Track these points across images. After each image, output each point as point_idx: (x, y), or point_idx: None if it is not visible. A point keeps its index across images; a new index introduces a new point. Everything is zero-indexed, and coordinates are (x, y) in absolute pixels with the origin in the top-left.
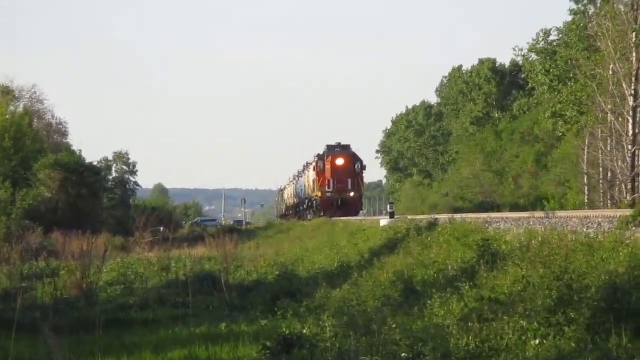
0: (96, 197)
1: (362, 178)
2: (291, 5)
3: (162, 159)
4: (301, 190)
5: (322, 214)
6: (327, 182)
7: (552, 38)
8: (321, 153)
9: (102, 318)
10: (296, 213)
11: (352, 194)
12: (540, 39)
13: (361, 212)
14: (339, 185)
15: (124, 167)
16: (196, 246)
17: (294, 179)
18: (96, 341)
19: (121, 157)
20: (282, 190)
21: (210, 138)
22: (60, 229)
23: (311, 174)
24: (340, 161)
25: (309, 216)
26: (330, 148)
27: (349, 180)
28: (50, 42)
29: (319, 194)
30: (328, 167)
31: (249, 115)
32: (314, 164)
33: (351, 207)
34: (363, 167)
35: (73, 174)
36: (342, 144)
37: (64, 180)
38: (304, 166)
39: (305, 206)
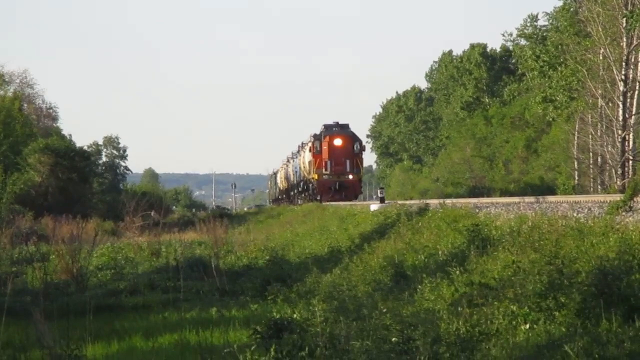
0: (86, 182)
1: (361, 160)
2: None
3: (152, 144)
4: (296, 172)
5: (318, 198)
6: (324, 164)
7: (540, 23)
8: (318, 133)
9: (92, 303)
10: (290, 197)
11: (350, 176)
12: (528, 24)
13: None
14: (336, 167)
15: (114, 152)
16: (186, 231)
17: (288, 161)
18: (86, 326)
19: (111, 142)
20: (274, 174)
21: (200, 122)
22: (50, 214)
23: (307, 155)
24: (338, 141)
25: (299, 201)
26: (327, 127)
27: (348, 162)
28: (42, 28)
29: (316, 177)
30: (325, 147)
31: (239, 100)
32: (309, 144)
33: (350, 191)
34: (362, 148)
35: (63, 159)
36: (340, 123)
37: (54, 165)
38: (299, 147)
39: (300, 189)
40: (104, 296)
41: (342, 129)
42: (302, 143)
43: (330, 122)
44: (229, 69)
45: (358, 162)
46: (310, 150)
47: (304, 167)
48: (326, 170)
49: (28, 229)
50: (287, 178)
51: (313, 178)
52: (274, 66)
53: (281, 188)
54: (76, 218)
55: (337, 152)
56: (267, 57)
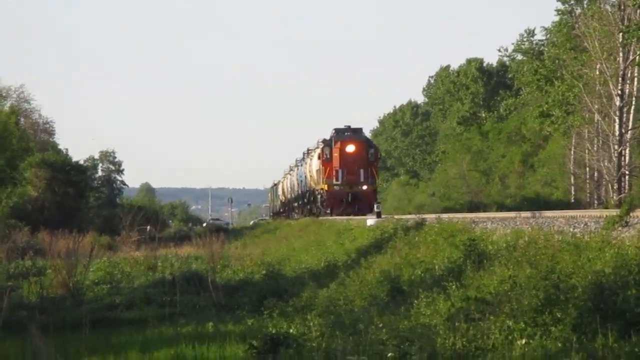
0: (82, 196)
1: (376, 168)
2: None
3: (149, 158)
4: (301, 182)
5: (328, 211)
6: (335, 173)
7: (537, 37)
8: (327, 138)
9: (89, 317)
10: (293, 210)
11: (365, 187)
12: (524, 39)
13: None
14: (349, 176)
15: (110, 166)
16: (183, 245)
17: (291, 170)
18: (82, 340)
19: (107, 156)
20: (275, 185)
21: (197, 137)
22: (46, 228)
23: (314, 163)
24: (350, 148)
25: (294, 215)
26: (338, 132)
27: (361, 171)
28: (37, 42)
29: (325, 187)
30: (336, 154)
31: (235, 115)
32: (318, 150)
33: (364, 203)
34: (378, 155)
35: (59, 173)
36: (352, 127)
37: (51, 179)
38: (305, 154)
39: (305, 201)
40: (100, 310)
41: (355, 134)
42: (308, 150)
43: (341, 126)
44: (225, 84)
45: (373, 170)
46: (319, 158)
47: (311, 176)
48: (337, 180)
49: (24, 243)
50: (290, 189)
51: (322, 189)
52: (269, 83)
53: (283, 200)
54: (72, 232)
55: (349, 160)
56: (261, 74)
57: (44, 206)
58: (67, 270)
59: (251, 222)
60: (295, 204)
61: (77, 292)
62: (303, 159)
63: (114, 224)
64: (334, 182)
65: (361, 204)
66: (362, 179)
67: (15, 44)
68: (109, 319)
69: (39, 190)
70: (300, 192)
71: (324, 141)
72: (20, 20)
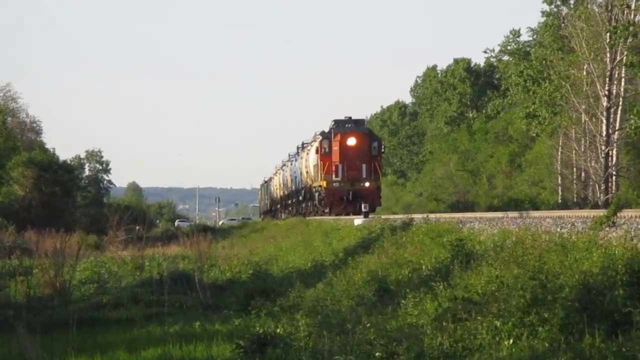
0: (69, 195)
1: (380, 163)
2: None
3: (136, 158)
4: (295, 178)
5: (326, 210)
6: (334, 168)
7: (524, 38)
8: (326, 130)
9: (76, 317)
10: (286, 207)
11: (367, 183)
12: (510, 40)
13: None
14: (350, 172)
15: (97, 166)
16: (170, 245)
17: (284, 166)
18: (69, 340)
19: (94, 156)
20: (267, 182)
21: (184, 136)
22: (33, 227)
23: (311, 158)
24: (352, 140)
25: (282, 215)
26: (338, 123)
27: (364, 166)
28: (24, 42)
29: (324, 184)
30: (336, 148)
31: (222, 115)
32: (316, 144)
33: (366, 201)
34: (381, 149)
35: (46, 172)
36: (353, 118)
37: (37, 178)
38: (299, 148)
39: (299, 198)
40: (88, 310)
41: (356, 126)
42: (303, 143)
43: (341, 116)
44: (211, 83)
45: (376, 165)
46: (316, 152)
47: (307, 172)
48: (337, 176)
49: (11, 242)
50: (283, 185)
51: (320, 186)
52: (257, 82)
53: (275, 197)
54: (59, 232)
55: (350, 154)
56: (248, 74)
57: (31, 205)
58: (54, 269)
59: (220, 222)
60: (289, 202)
61: (64, 291)
62: (297, 153)
63: (101, 224)
64: (334, 178)
65: (363, 202)
66: (364, 175)
67: (1, 42)
68: (96, 319)
69: (26, 189)
70: (294, 189)
71: (322, 133)
72: (6, 18)
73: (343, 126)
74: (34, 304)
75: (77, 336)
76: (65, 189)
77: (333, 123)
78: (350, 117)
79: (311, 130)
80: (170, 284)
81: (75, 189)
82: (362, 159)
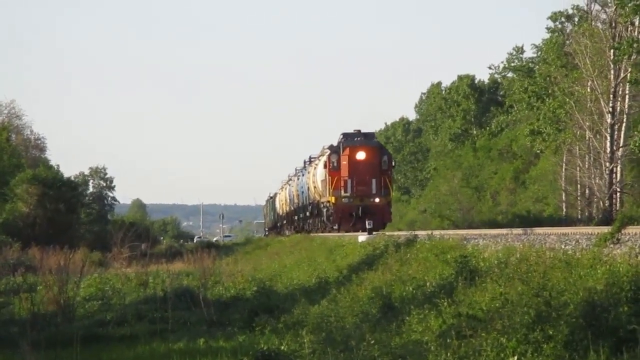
0: (74, 212)
1: (390, 178)
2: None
3: (140, 175)
4: (302, 193)
5: (335, 227)
6: (343, 184)
7: (527, 55)
8: (335, 144)
9: (80, 333)
10: (292, 224)
11: (377, 199)
12: (514, 57)
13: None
14: (359, 187)
15: (102, 182)
16: (174, 262)
17: (290, 180)
18: (73, 357)
19: (98, 172)
20: (272, 198)
21: (189, 153)
22: (37, 244)
23: (319, 172)
24: (361, 155)
25: (286, 232)
26: (347, 137)
27: (374, 181)
28: (28, 59)
29: (332, 200)
30: (345, 162)
31: (226, 131)
32: (324, 158)
33: (376, 218)
34: (392, 163)
35: (51, 189)
36: (363, 131)
37: (42, 195)
38: (306, 162)
39: (306, 214)
40: (92, 327)
41: (366, 139)
42: (311, 157)
43: (350, 130)
44: (214, 99)
45: (387, 180)
46: (325, 166)
47: (315, 187)
48: (346, 191)
49: (15, 259)
50: (289, 200)
51: (328, 201)
52: (261, 100)
53: (281, 213)
54: (63, 248)
55: (360, 169)
56: (253, 91)
57: (35, 222)
58: (58, 286)
59: (195, 239)
60: (295, 218)
61: (68, 308)
62: (304, 167)
63: (105, 240)
64: (342, 193)
65: (373, 219)
66: (374, 190)
67: (6, 58)
68: (100, 335)
69: (30, 206)
70: (301, 204)
71: (331, 147)
72: (10, 36)
73: (352, 140)
74: (38, 320)
75: (81, 353)
76: (69, 205)
77: (342, 137)
78: (359, 131)
79: (314, 148)
80: (174, 301)
81: (80, 206)
82: (372, 174)
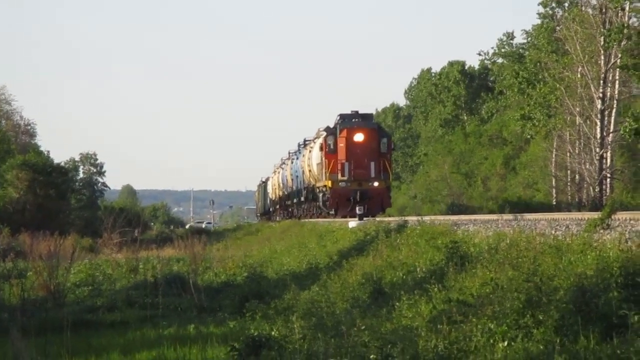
0: (64, 198)
1: (389, 161)
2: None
3: (130, 160)
4: (296, 177)
5: (332, 212)
6: (340, 167)
7: (518, 40)
8: (331, 126)
9: (70, 319)
10: (286, 208)
11: (376, 183)
12: (504, 43)
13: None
14: (357, 170)
15: (92, 168)
16: (164, 247)
17: (283, 164)
18: (64, 342)
19: (88, 158)
20: (264, 182)
21: (179, 138)
22: (27, 230)
23: (315, 155)
24: (359, 136)
25: (277, 217)
26: (345, 118)
27: (372, 164)
28: (19, 44)
29: (329, 184)
30: (342, 145)
31: (216, 117)
32: (320, 140)
33: (375, 202)
34: (391, 146)
35: (41, 175)
36: (361, 112)
37: (32, 181)
38: (300, 145)
39: (301, 199)
40: (82, 312)
41: (364, 120)
42: (305, 140)
43: (347, 111)
44: (204, 84)
45: (386, 164)
46: (320, 149)
47: (310, 170)
48: (343, 175)
49: (5, 245)
50: (283, 185)
51: (325, 186)
52: (252, 83)
53: (273, 198)
54: (54, 234)
55: (358, 151)
56: (243, 75)
57: (25, 208)
58: (49, 272)
59: (187, 226)
60: (289, 202)
61: (59, 294)
62: (299, 150)
63: (95, 226)
64: (339, 177)
65: (372, 204)
66: (372, 174)
67: None
68: (91, 321)
69: (20, 192)
70: (295, 189)
71: (327, 129)
72: (1, 21)
73: (350, 121)
74: (28, 306)
75: (71, 339)
76: (59, 191)
77: (339, 118)
78: (357, 112)
79: (306, 131)
80: (164, 287)
81: (70, 192)
82: (371, 157)
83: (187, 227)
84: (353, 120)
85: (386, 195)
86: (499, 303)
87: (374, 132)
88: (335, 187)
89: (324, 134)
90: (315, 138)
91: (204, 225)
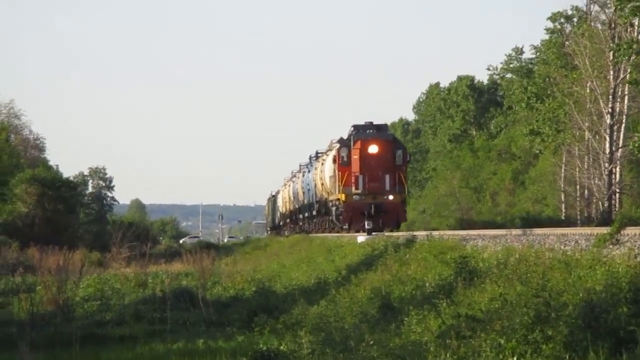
0: (73, 212)
1: (405, 173)
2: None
3: (139, 175)
4: (308, 190)
5: (345, 227)
6: (354, 180)
7: (527, 55)
8: (345, 137)
9: (79, 334)
10: (297, 222)
11: (391, 196)
12: (513, 58)
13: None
14: (371, 183)
15: (101, 183)
16: (173, 262)
17: (294, 177)
18: (72, 357)
19: (97, 173)
20: (274, 196)
21: (188, 153)
22: (36, 244)
23: (328, 168)
24: (373, 148)
25: (285, 231)
26: (358, 129)
27: (387, 177)
28: (28, 59)
29: (342, 197)
30: (356, 157)
31: (226, 132)
32: (333, 152)
33: (390, 217)
34: (407, 158)
35: (50, 189)
36: (375, 123)
37: (41, 195)
38: (312, 157)
39: (313, 213)
40: (91, 327)
41: (379, 132)
42: (318, 153)
43: (360, 122)
44: (214, 99)
45: (401, 176)
46: (334, 161)
47: (323, 183)
48: (357, 188)
49: (14, 259)
50: (294, 198)
51: (338, 199)
52: (262, 99)
53: (284, 211)
54: (62, 249)
55: (372, 163)
56: (254, 90)
57: (34, 222)
58: (57, 286)
59: (181, 241)
60: (300, 216)
61: (67, 308)
62: (310, 163)
63: (104, 240)
64: (353, 190)
65: (386, 218)
66: (387, 187)
67: (5, 58)
68: (99, 336)
69: (29, 206)
70: (306, 202)
71: (341, 141)
72: (10, 36)
73: (364, 132)
74: (37, 321)
75: (80, 353)
76: (68, 205)
77: (352, 129)
78: (371, 122)
79: (317, 145)
80: (173, 301)
81: (79, 206)
82: (385, 169)
83: (181, 241)
84: (367, 131)
85: (401, 209)
86: (507, 318)
87: (388, 144)
88: (348, 200)
89: (337, 145)
90: (328, 150)
91: (226, 240)
